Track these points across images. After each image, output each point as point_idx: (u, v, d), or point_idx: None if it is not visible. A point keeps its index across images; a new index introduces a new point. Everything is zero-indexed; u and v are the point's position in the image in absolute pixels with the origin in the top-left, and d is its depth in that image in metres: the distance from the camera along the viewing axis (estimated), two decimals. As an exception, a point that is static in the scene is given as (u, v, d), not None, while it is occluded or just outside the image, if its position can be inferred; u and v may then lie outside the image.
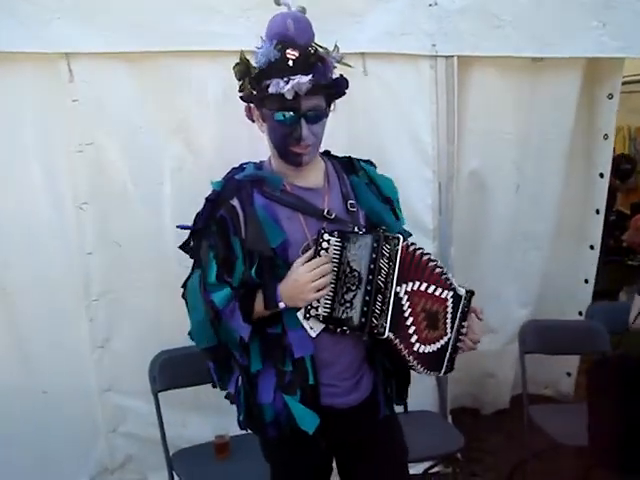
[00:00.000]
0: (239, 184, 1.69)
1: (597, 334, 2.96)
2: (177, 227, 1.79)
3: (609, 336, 2.95)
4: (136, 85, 2.43)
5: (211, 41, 2.39)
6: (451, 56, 2.78)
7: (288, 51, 1.58)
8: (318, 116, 1.64)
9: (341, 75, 1.69)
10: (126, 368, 2.60)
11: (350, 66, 1.73)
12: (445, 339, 1.73)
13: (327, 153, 1.86)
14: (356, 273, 1.61)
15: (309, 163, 1.70)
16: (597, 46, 3.00)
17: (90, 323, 2.52)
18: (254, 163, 1.78)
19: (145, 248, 2.53)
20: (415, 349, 1.67)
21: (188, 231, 1.75)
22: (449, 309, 1.72)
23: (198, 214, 1.72)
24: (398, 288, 1.61)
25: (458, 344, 1.76)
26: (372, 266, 1.59)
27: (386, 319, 1.60)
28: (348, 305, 1.62)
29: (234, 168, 1.76)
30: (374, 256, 1.59)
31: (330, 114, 1.74)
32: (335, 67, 1.68)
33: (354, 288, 1.61)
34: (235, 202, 1.67)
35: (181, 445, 2.59)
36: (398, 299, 1.62)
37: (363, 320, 1.60)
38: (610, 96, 3.23)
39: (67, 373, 2.55)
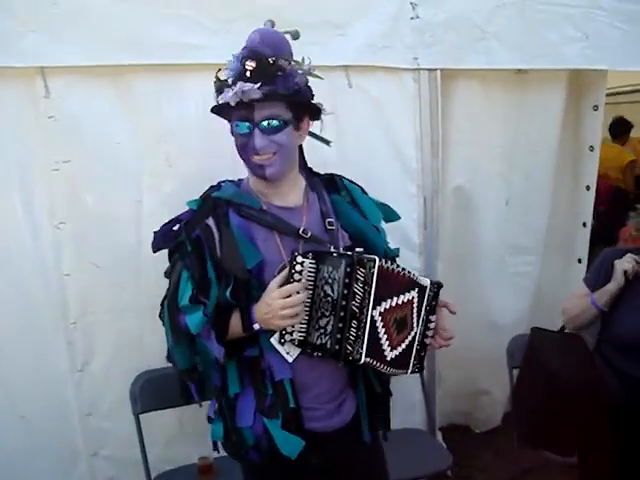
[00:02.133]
0: (215, 203, 1.66)
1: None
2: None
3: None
4: (114, 100, 2.37)
5: (191, 54, 2.34)
6: (434, 69, 2.76)
7: (246, 62, 1.57)
8: (277, 126, 1.59)
9: (306, 84, 1.66)
10: (106, 391, 2.53)
11: (320, 77, 1.70)
12: (411, 335, 1.64)
13: (308, 170, 1.82)
14: (330, 298, 1.54)
15: (279, 177, 1.66)
16: (580, 58, 3.00)
17: (69, 346, 2.44)
18: (232, 182, 1.74)
19: (124, 268, 2.46)
20: (389, 359, 1.61)
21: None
22: (415, 305, 1.64)
23: (172, 233, 1.69)
24: (374, 312, 1.55)
25: (426, 340, 1.68)
26: (345, 292, 1.53)
27: (362, 345, 1.53)
28: (322, 331, 1.56)
29: (212, 186, 1.73)
30: (347, 281, 1.52)
31: (314, 128, 1.71)
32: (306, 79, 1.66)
33: (328, 314, 1.55)
34: (210, 222, 1.63)
35: (164, 467, 2.54)
36: (373, 322, 1.55)
37: (337, 347, 1.54)
38: (595, 108, 3.23)
39: (46, 397, 2.47)
